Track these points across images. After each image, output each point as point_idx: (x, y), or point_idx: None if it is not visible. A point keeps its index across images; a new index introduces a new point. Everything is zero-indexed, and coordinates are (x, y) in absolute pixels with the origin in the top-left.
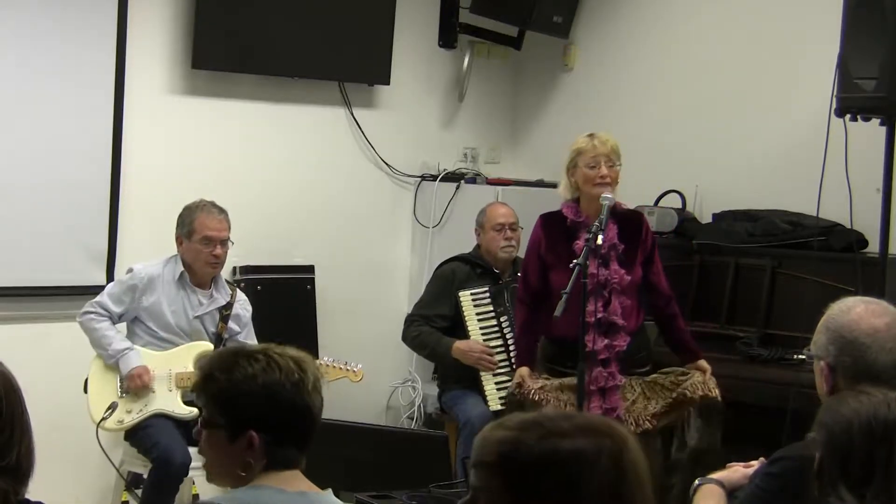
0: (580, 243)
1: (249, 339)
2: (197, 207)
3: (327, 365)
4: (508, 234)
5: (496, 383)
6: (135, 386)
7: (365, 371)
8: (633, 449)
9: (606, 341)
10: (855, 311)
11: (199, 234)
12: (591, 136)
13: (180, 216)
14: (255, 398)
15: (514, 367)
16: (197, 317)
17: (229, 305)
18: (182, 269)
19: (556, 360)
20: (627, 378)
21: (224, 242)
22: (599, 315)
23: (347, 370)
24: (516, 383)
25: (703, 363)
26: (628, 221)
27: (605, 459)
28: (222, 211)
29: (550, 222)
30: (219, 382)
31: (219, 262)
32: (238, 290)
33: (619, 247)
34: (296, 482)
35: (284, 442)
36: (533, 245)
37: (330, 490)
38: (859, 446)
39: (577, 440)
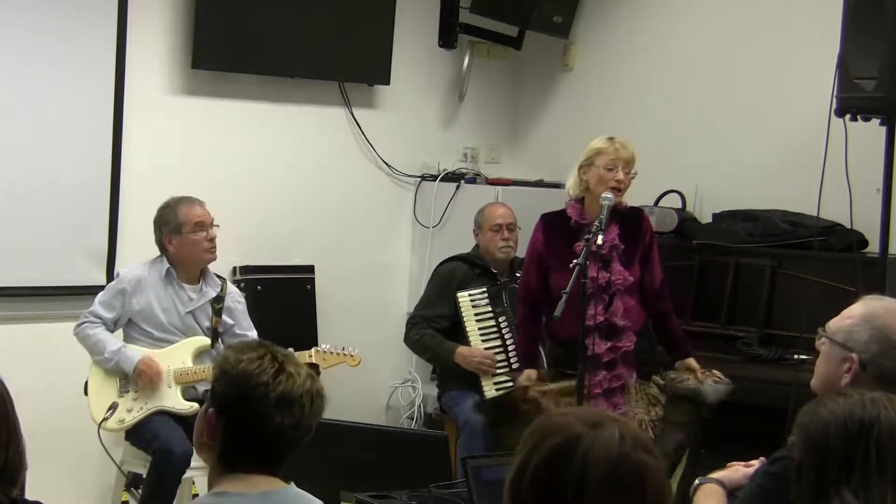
0: (581, 245)
1: (246, 329)
2: (175, 203)
3: (325, 352)
4: (506, 235)
5: (494, 383)
6: (147, 377)
7: (365, 371)
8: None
9: (609, 344)
10: None
11: (190, 222)
12: (611, 139)
13: (159, 217)
14: (232, 385)
15: (519, 368)
16: (189, 312)
17: (220, 299)
18: (168, 265)
19: (562, 362)
20: (638, 382)
21: (212, 225)
22: (600, 318)
23: (344, 355)
24: (521, 385)
25: (691, 361)
26: (629, 220)
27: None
28: (199, 199)
29: (552, 223)
30: (226, 356)
31: (214, 246)
32: (228, 282)
33: (619, 247)
34: (260, 483)
35: (239, 440)
36: (533, 246)
37: (292, 483)
38: (836, 447)
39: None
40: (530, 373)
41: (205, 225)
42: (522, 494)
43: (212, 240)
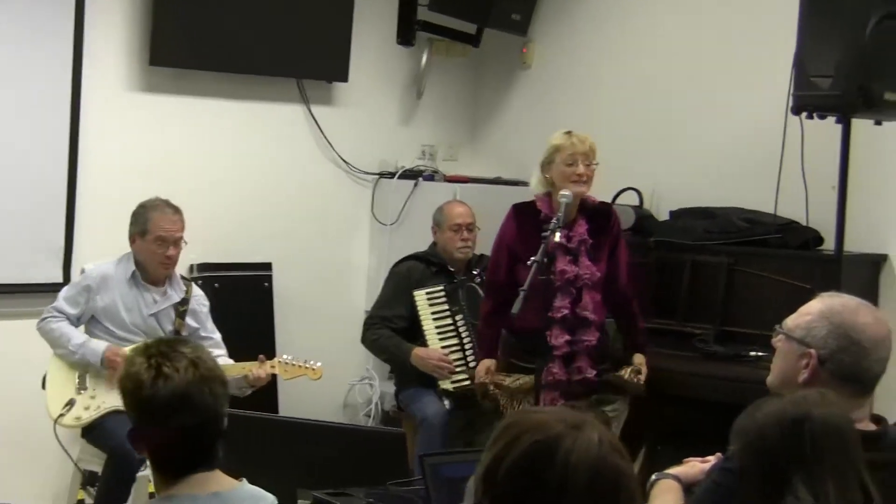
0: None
1: (210, 332)
2: (151, 206)
3: (286, 363)
4: (465, 235)
5: (451, 382)
6: (117, 365)
7: (322, 369)
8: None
9: (568, 337)
10: (863, 314)
11: (153, 233)
12: (569, 133)
13: (134, 214)
14: (130, 402)
15: (477, 358)
16: (152, 315)
17: (185, 301)
18: (134, 267)
19: (517, 354)
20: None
21: (177, 242)
22: (566, 311)
23: (306, 368)
24: (479, 375)
25: (637, 356)
26: (599, 215)
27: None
28: (177, 210)
29: (523, 214)
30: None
31: (171, 262)
32: (194, 285)
33: (588, 242)
34: (208, 484)
35: (161, 448)
36: (503, 236)
37: (244, 480)
38: (774, 447)
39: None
40: (489, 364)
41: (166, 241)
42: (497, 488)
43: (169, 256)
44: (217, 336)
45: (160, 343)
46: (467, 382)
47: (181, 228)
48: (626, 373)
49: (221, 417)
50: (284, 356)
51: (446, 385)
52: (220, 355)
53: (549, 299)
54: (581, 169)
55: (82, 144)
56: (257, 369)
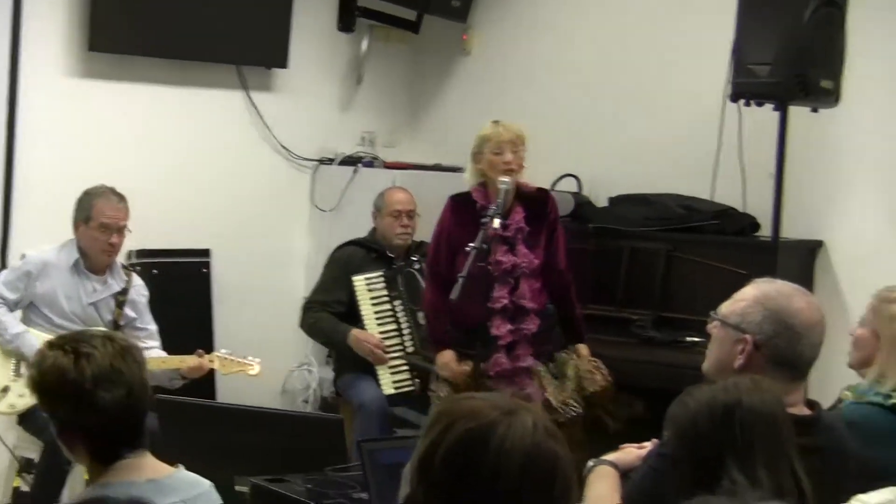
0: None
1: (147, 323)
2: (96, 193)
3: (225, 358)
4: (405, 222)
5: (389, 367)
6: None
7: (260, 356)
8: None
9: (510, 326)
10: (798, 300)
11: (97, 220)
12: (495, 122)
13: (79, 201)
14: (57, 399)
15: (433, 350)
16: (91, 303)
17: (125, 291)
18: (77, 255)
19: (464, 344)
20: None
21: (121, 230)
22: (505, 301)
23: (244, 363)
24: (443, 367)
25: (581, 347)
26: (534, 201)
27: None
28: (122, 198)
29: (460, 205)
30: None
31: (114, 250)
32: (135, 275)
33: (525, 230)
34: (144, 470)
35: (99, 436)
36: (442, 228)
37: (181, 466)
38: (705, 433)
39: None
40: (447, 355)
41: (109, 228)
42: (433, 475)
43: (112, 244)
44: (153, 327)
45: (63, 336)
46: (408, 384)
47: (125, 216)
48: (589, 378)
49: (147, 385)
50: (223, 350)
51: (388, 390)
52: (153, 346)
53: (488, 290)
54: (508, 157)
55: (19, 130)
56: (195, 362)
